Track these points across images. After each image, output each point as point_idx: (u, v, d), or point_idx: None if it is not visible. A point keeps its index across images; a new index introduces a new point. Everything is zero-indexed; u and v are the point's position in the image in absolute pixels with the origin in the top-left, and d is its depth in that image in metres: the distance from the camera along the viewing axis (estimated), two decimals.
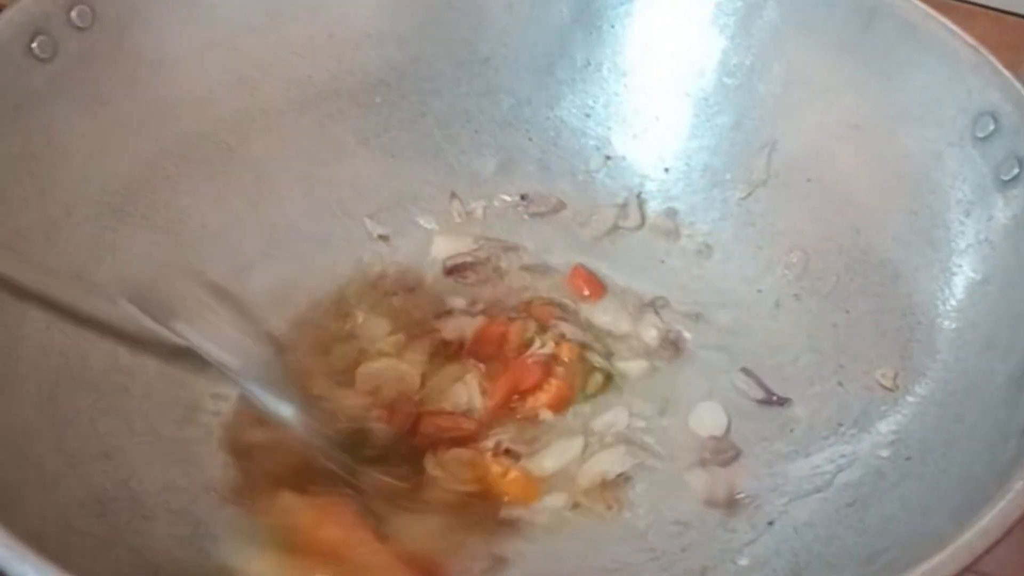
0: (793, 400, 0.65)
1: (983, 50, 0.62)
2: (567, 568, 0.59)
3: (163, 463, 0.59)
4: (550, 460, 0.63)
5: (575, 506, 0.61)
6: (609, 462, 0.63)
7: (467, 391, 0.65)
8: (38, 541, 0.43)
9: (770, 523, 0.58)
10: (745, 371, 0.67)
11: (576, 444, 0.64)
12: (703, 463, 0.63)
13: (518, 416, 0.65)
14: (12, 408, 0.55)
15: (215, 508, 0.59)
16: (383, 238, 0.73)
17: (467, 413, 0.65)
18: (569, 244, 0.74)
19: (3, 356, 0.56)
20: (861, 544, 0.54)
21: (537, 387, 0.65)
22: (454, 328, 0.68)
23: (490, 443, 0.63)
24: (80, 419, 0.58)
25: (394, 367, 0.66)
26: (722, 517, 0.60)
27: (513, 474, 0.62)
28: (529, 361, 0.66)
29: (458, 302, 0.70)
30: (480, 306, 0.70)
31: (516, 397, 0.65)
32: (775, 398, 0.65)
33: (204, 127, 0.69)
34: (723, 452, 0.63)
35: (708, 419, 0.65)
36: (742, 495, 0.61)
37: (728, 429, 0.65)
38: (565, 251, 0.73)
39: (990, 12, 0.89)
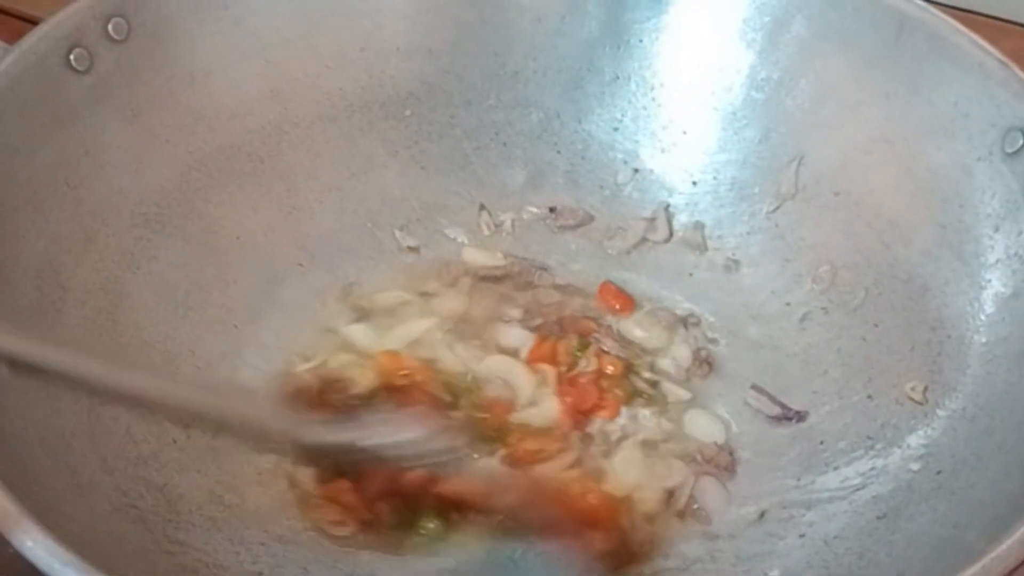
0: (811, 414, 0.65)
1: (1012, 65, 0.62)
2: None
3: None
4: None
5: None
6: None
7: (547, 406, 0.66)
8: (78, 547, 0.43)
9: (801, 536, 0.58)
10: (756, 388, 0.67)
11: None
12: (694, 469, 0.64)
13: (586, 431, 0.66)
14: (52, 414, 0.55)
15: (250, 517, 0.59)
16: (412, 249, 0.73)
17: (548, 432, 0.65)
18: (597, 257, 0.74)
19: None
20: (892, 557, 0.54)
21: (599, 406, 0.66)
22: (515, 338, 0.69)
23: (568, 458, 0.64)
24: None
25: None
26: (753, 529, 0.60)
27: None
28: (583, 380, 0.67)
29: (515, 312, 0.71)
30: (538, 321, 0.70)
31: (580, 416, 0.66)
32: (791, 413, 0.65)
33: (237, 139, 0.70)
34: (716, 461, 0.64)
35: (704, 425, 0.66)
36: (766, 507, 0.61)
37: (727, 437, 0.66)
38: (593, 264, 0.74)
39: (1020, 28, 0.89)
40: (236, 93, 0.70)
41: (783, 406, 0.66)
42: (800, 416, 0.65)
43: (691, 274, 0.73)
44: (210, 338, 0.66)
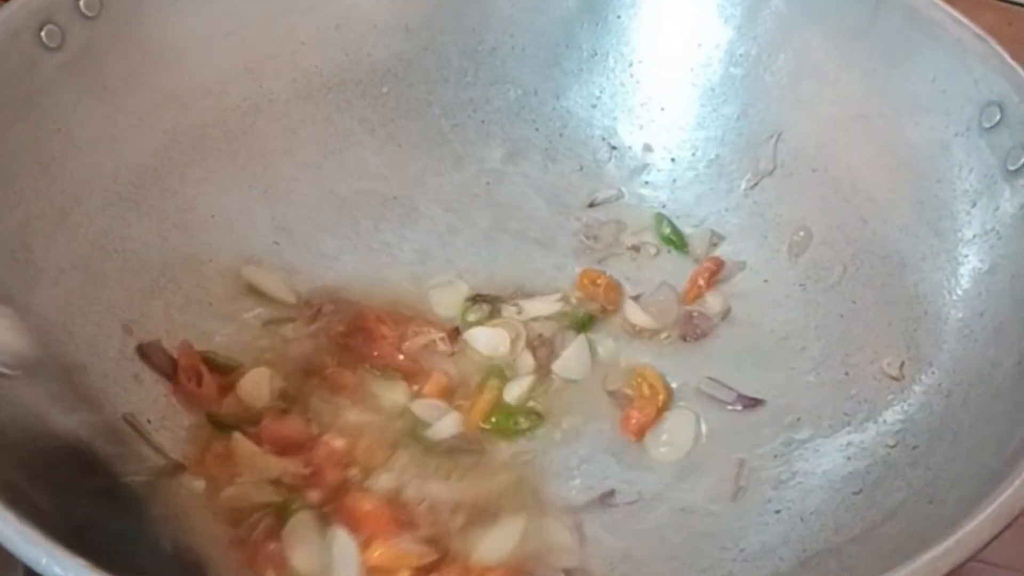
0: (769, 402, 0.65)
1: (990, 40, 0.62)
2: None
3: None
4: None
5: None
6: None
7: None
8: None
9: (777, 512, 0.58)
10: (711, 380, 0.66)
11: None
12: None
13: None
14: None
15: None
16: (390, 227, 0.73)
17: None
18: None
19: None
20: (868, 532, 0.54)
21: None
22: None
23: None
24: None
25: None
26: (729, 505, 0.60)
27: None
28: None
29: None
30: None
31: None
32: (747, 402, 0.65)
33: (212, 117, 0.70)
34: None
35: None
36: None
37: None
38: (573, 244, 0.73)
39: (998, 3, 0.89)
40: (211, 71, 0.69)
41: (740, 395, 0.65)
42: (755, 402, 0.65)
43: (669, 251, 0.72)
44: (185, 317, 0.65)
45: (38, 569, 0.42)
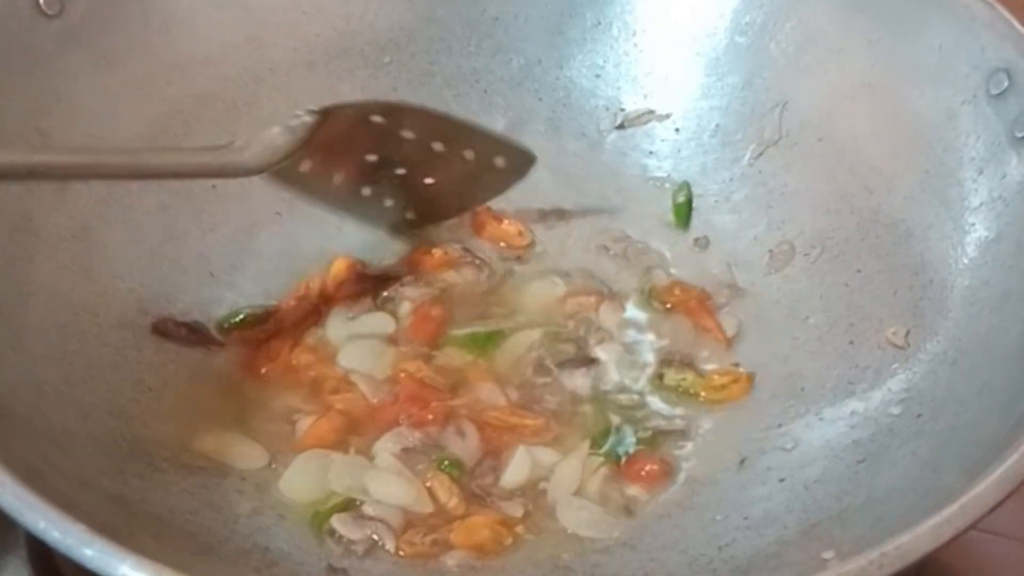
0: (775, 368, 0.65)
1: (997, 5, 0.62)
2: None
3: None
4: None
5: None
6: None
7: None
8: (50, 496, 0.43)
9: (781, 480, 0.58)
10: None
11: None
12: None
13: None
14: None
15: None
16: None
17: None
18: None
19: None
20: (871, 500, 0.54)
21: None
22: None
23: None
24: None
25: None
26: (733, 474, 0.60)
27: None
28: None
29: None
30: None
31: None
32: None
33: (212, 87, 0.69)
34: None
35: None
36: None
37: None
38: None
39: None
40: (212, 40, 0.69)
41: None
42: None
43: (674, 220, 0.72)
44: (187, 286, 0.65)
45: (36, 533, 0.42)
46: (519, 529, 0.58)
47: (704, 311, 0.68)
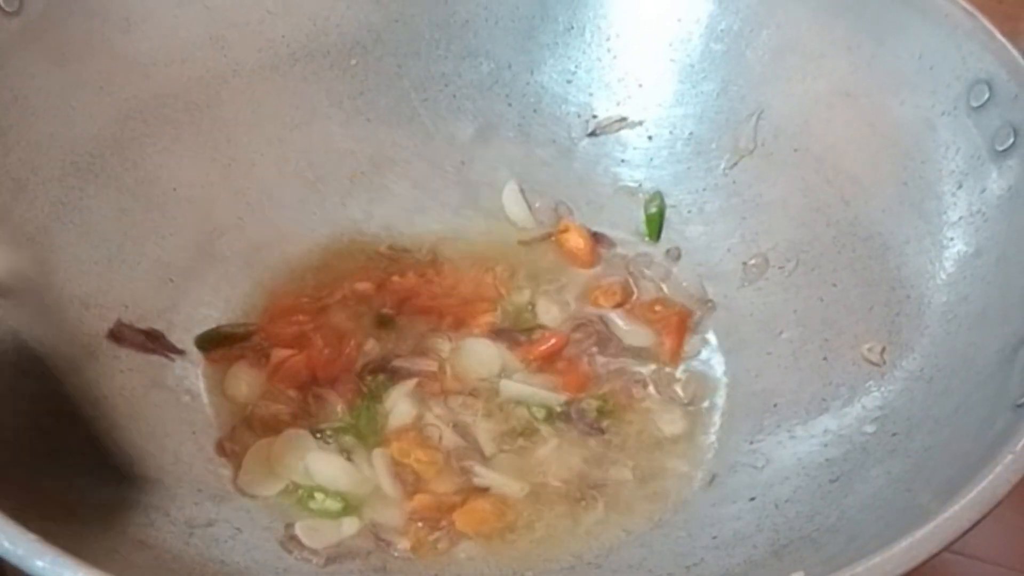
0: (748, 383, 0.64)
1: (979, 15, 0.61)
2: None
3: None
4: None
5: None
6: None
7: None
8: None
9: (752, 499, 0.57)
10: None
11: None
12: None
13: None
14: None
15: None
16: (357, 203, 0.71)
17: None
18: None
19: None
20: (844, 520, 0.53)
21: None
22: None
23: None
24: None
25: None
26: (703, 492, 0.59)
27: None
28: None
29: None
30: None
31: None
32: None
33: (174, 87, 0.68)
34: None
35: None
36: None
37: None
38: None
39: None
40: (174, 39, 0.68)
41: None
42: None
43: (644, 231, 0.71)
44: (145, 292, 0.64)
45: None
46: None
47: (682, 331, 0.67)
